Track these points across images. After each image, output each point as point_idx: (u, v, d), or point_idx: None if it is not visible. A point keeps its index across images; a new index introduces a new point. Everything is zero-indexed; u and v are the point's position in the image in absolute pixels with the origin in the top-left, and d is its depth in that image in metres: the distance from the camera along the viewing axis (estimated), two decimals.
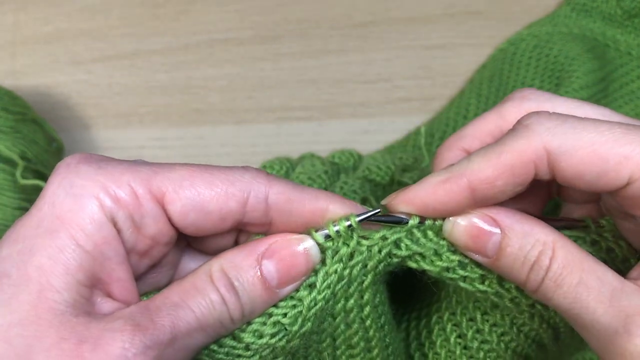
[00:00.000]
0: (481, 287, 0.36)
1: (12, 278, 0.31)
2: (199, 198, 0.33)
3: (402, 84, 0.68)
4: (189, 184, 0.33)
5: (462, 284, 0.36)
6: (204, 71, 0.69)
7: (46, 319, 0.30)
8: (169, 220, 0.34)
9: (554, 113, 0.33)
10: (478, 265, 0.35)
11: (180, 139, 0.67)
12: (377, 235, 0.35)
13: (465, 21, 0.71)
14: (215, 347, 0.34)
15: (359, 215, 0.35)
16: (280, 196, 0.34)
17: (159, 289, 0.36)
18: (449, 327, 0.41)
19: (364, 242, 0.35)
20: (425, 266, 0.35)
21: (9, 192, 0.54)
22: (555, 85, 0.66)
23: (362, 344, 0.38)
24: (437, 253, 0.35)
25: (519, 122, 0.33)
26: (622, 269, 0.36)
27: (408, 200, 0.34)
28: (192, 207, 0.33)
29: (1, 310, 0.30)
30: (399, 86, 0.68)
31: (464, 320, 0.40)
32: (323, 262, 0.35)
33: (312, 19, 0.71)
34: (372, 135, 0.66)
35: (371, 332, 0.38)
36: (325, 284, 0.35)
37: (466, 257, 0.35)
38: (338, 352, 0.38)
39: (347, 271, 0.35)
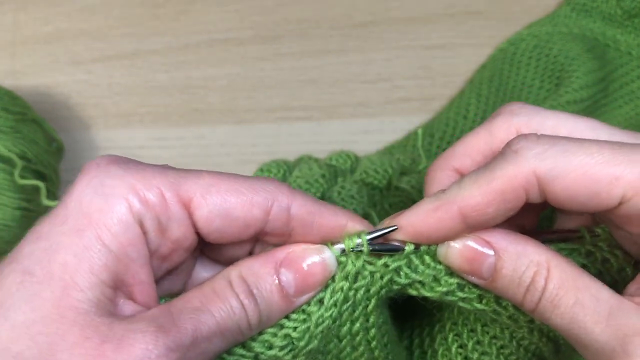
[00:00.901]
0: (479, 306, 0.36)
1: (36, 275, 0.31)
2: (226, 205, 0.34)
3: (402, 84, 0.68)
4: (215, 190, 0.34)
5: (461, 304, 0.36)
6: (204, 71, 0.69)
7: (69, 318, 0.30)
8: (194, 226, 0.34)
9: (542, 136, 0.33)
10: (475, 285, 0.36)
11: (180, 139, 0.67)
12: (380, 263, 0.35)
13: (465, 21, 0.71)
14: (224, 355, 0.34)
15: (372, 232, 0.36)
16: (302, 208, 0.35)
17: (172, 295, 0.37)
18: (450, 337, 0.41)
19: (368, 267, 0.36)
20: (426, 293, 0.36)
21: (9, 192, 0.54)
22: (555, 85, 0.66)
23: None
24: (435, 279, 0.35)
25: (507, 146, 0.33)
26: (618, 279, 0.36)
27: (401, 228, 0.35)
28: (219, 213, 0.34)
29: (24, 308, 0.30)
30: (399, 86, 0.68)
31: (465, 331, 0.40)
32: (332, 278, 0.36)
33: (312, 19, 0.71)
34: (372, 135, 0.66)
35: (376, 353, 0.38)
36: (332, 300, 0.35)
37: (463, 278, 0.35)
38: None
39: (352, 293, 0.35)
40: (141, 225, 0.32)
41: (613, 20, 0.69)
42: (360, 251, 0.35)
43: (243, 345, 0.35)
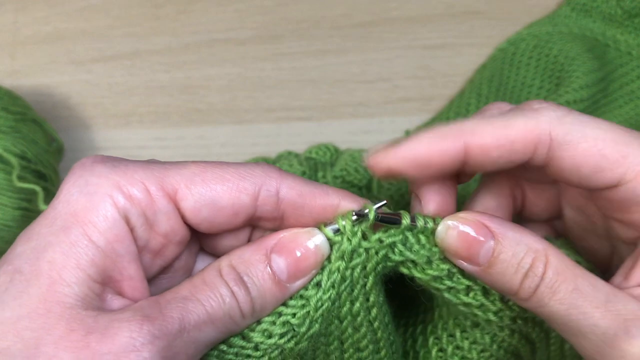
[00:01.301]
0: (465, 299, 0.36)
1: (24, 273, 0.31)
2: (211, 193, 0.34)
3: (402, 84, 0.68)
4: (200, 180, 0.34)
5: (447, 295, 0.36)
6: (204, 71, 0.69)
7: (55, 312, 0.30)
8: (183, 217, 0.34)
9: (560, 105, 0.34)
10: (464, 276, 0.36)
11: (180, 139, 0.67)
12: (374, 238, 0.35)
13: (465, 21, 0.71)
14: (224, 347, 0.34)
15: (366, 209, 0.35)
16: (291, 190, 0.35)
17: None
18: (431, 340, 0.41)
19: (363, 243, 0.35)
20: (416, 273, 0.36)
21: (9, 192, 0.54)
22: (555, 85, 0.66)
23: (370, 346, 0.38)
24: (429, 260, 0.35)
25: (527, 104, 0.33)
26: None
27: (401, 154, 0.34)
28: (205, 202, 0.34)
29: (11, 304, 0.30)
30: (399, 86, 0.68)
31: (445, 335, 0.41)
32: (328, 259, 0.35)
33: (312, 19, 0.71)
34: (372, 135, 0.66)
35: (379, 334, 0.38)
36: (329, 282, 0.35)
37: (454, 267, 0.35)
38: (346, 356, 0.38)
39: (348, 272, 0.35)
40: (127, 221, 0.33)
41: (613, 20, 0.69)
42: (361, 221, 0.35)
43: (242, 336, 0.34)
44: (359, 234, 0.35)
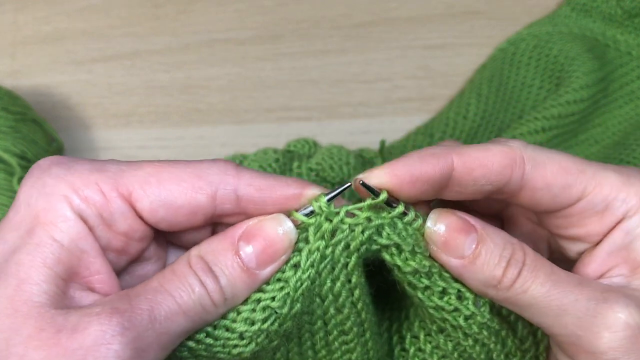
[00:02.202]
0: (439, 302, 0.37)
1: None
2: (166, 194, 0.34)
3: (402, 84, 0.68)
4: (155, 181, 0.34)
5: (420, 296, 0.37)
6: (204, 71, 0.69)
7: (23, 311, 0.30)
8: (140, 217, 0.35)
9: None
10: (442, 277, 0.37)
11: (180, 139, 0.66)
12: (363, 215, 0.35)
13: (465, 21, 0.71)
14: (211, 341, 0.35)
15: (331, 192, 0.36)
16: (249, 187, 0.35)
17: None
18: (395, 338, 0.42)
19: (347, 219, 0.35)
20: (399, 262, 0.36)
21: (9, 192, 0.54)
22: (555, 85, 0.66)
23: (355, 329, 0.38)
24: (413, 250, 0.36)
25: (498, 140, 0.37)
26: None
27: (394, 171, 0.35)
28: (161, 203, 0.34)
29: None
30: (399, 86, 0.68)
31: (409, 335, 0.41)
32: (307, 240, 0.35)
33: (312, 19, 0.71)
34: (372, 135, 0.66)
35: (363, 315, 0.38)
36: (308, 262, 0.35)
37: (434, 266, 0.36)
38: (330, 338, 0.38)
39: (329, 250, 0.35)
40: (85, 220, 0.33)
41: (613, 20, 0.69)
42: (330, 202, 0.35)
43: (226, 328, 0.35)
44: (342, 213, 0.35)
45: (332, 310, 0.37)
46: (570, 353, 0.35)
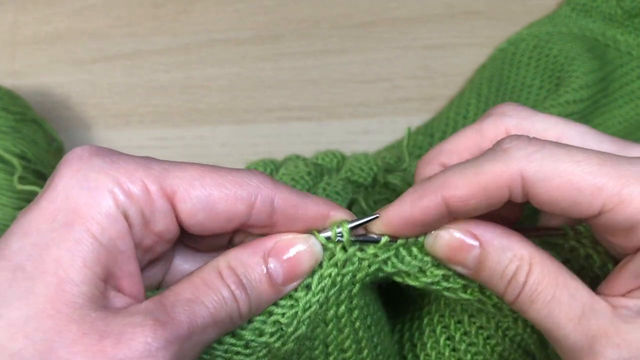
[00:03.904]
0: (464, 295, 0.37)
1: (27, 271, 0.30)
2: (209, 199, 0.34)
3: (402, 84, 0.68)
4: (199, 184, 0.34)
5: (446, 294, 0.37)
6: (204, 71, 0.69)
7: (65, 313, 0.29)
8: (178, 218, 0.34)
9: (533, 138, 0.34)
10: (460, 276, 0.36)
11: (180, 139, 0.67)
12: (370, 252, 0.36)
13: (465, 21, 0.71)
14: (214, 345, 0.35)
15: (355, 221, 0.36)
16: (285, 202, 0.35)
17: (153, 285, 0.37)
18: (438, 329, 0.42)
19: (358, 254, 0.36)
20: (410, 282, 0.37)
21: (9, 192, 0.54)
22: (555, 85, 0.66)
23: (353, 346, 0.38)
24: (421, 270, 0.36)
25: (498, 144, 0.34)
26: (600, 275, 0.37)
27: (389, 221, 0.36)
28: (202, 206, 0.34)
29: (17, 304, 0.29)
30: (399, 86, 0.68)
31: (452, 322, 0.41)
32: (320, 264, 0.36)
33: (312, 19, 0.71)
34: (372, 135, 0.66)
35: (360, 333, 0.38)
36: (319, 286, 0.36)
37: (449, 269, 0.36)
38: (330, 358, 0.39)
39: (339, 278, 0.36)
40: (126, 217, 0.32)
41: (613, 20, 0.69)
42: (341, 241, 0.36)
43: (233, 334, 0.35)
44: (356, 246, 0.36)
45: (334, 332, 0.38)
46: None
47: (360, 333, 0.38)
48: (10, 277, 0.30)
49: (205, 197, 0.34)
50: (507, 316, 0.38)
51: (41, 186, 0.56)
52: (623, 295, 0.34)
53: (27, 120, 0.58)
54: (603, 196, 0.32)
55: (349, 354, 0.39)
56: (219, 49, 0.70)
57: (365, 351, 0.39)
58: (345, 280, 0.36)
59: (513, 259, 0.34)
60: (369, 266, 0.36)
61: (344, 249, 0.36)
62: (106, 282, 0.32)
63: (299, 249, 0.35)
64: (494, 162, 0.33)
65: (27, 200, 0.54)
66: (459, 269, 0.36)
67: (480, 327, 0.40)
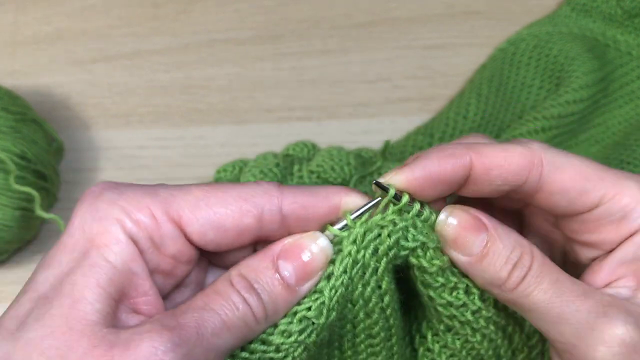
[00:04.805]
0: (448, 297, 0.37)
1: (48, 297, 0.32)
2: (215, 217, 0.35)
3: (402, 84, 0.68)
4: (204, 204, 0.35)
5: (432, 294, 0.37)
6: (204, 71, 0.69)
7: (78, 330, 0.31)
8: (189, 240, 0.36)
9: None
10: (453, 273, 0.37)
11: (180, 139, 0.67)
12: (388, 218, 0.36)
13: (465, 21, 0.71)
14: (246, 355, 0.36)
15: (365, 206, 0.37)
16: (294, 205, 0.36)
17: None
18: (417, 338, 0.43)
19: (375, 219, 0.36)
20: (425, 263, 0.37)
21: (9, 192, 0.54)
22: (555, 85, 0.66)
23: (382, 333, 0.39)
24: (437, 247, 0.36)
25: (519, 140, 0.37)
26: None
27: (412, 173, 0.36)
28: (210, 226, 0.35)
29: (35, 326, 0.31)
30: (399, 86, 0.68)
31: (418, 336, 0.42)
32: (339, 250, 0.36)
33: (312, 19, 0.71)
34: (372, 135, 0.66)
35: (391, 321, 0.39)
36: (341, 268, 0.36)
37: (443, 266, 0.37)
38: (357, 340, 0.39)
39: (360, 254, 0.36)
40: (136, 243, 0.34)
41: (613, 20, 0.69)
42: (363, 214, 0.36)
43: (262, 341, 0.35)
44: (373, 219, 0.36)
45: (361, 315, 0.38)
46: (566, 359, 0.36)
47: (392, 320, 0.38)
48: (33, 305, 0.32)
49: (212, 216, 0.35)
50: (476, 332, 0.38)
51: (41, 186, 0.56)
52: (602, 288, 0.37)
53: (27, 120, 0.58)
54: (605, 186, 0.36)
55: (377, 340, 0.39)
56: (219, 49, 0.70)
57: (394, 338, 0.39)
58: (367, 255, 0.36)
59: (516, 246, 0.36)
60: (389, 236, 0.36)
61: (362, 224, 0.36)
62: (120, 302, 0.34)
63: (307, 247, 0.36)
64: (520, 146, 0.36)
65: (27, 200, 0.54)
66: (460, 257, 0.36)
67: (444, 347, 0.40)
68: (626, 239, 0.37)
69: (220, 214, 0.35)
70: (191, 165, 0.65)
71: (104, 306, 0.32)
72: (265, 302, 0.35)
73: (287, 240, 0.36)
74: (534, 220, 0.43)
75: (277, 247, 0.36)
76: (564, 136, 0.63)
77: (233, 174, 0.58)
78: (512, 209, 0.43)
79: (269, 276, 0.35)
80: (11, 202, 0.54)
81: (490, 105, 0.65)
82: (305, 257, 0.36)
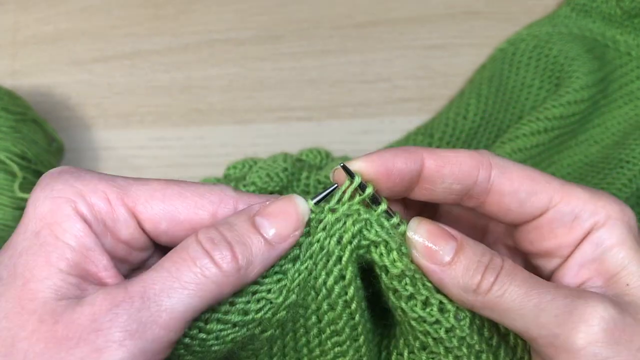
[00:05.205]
0: (421, 312, 0.37)
1: (3, 279, 0.33)
2: (169, 208, 0.36)
3: (402, 84, 0.68)
4: (160, 195, 0.36)
5: (404, 306, 0.37)
6: (204, 71, 0.69)
7: (29, 308, 0.32)
8: (142, 228, 0.36)
9: None
10: (424, 287, 0.37)
11: (180, 139, 0.67)
12: (354, 208, 0.37)
13: (465, 21, 0.71)
14: (204, 336, 0.36)
15: (318, 195, 0.37)
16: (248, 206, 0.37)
17: None
18: (394, 355, 0.42)
19: (343, 209, 0.37)
20: (387, 262, 0.37)
21: (9, 192, 0.54)
22: (555, 85, 0.66)
23: (347, 330, 0.38)
24: (400, 250, 0.37)
25: (464, 150, 0.39)
26: None
27: (370, 158, 0.37)
28: (164, 216, 0.36)
29: None
30: (399, 86, 0.68)
31: (395, 353, 0.41)
32: (307, 234, 0.37)
33: (312, 19, 0.71)
34: (372, 135, 0.66)
35: (357, 318, 0.38)
36: (308, 253, 0.36)
37: (418, 273, 0.37)
38: (324, 336, 0.39)
39: (327, 241, 0.36)
40: (89, 224, 0.35)
41: (613, 20, 0.69)
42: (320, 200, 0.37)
43: (218, 320, 0.35)
44: (344, 206, 0.37)
45: (325, 306, 0.37)
46: (550, 356, 0.35)
47: (357, 317, 0.38)
48: None
49: (166, 207, 0.36)
50: (449, 353, 0.38)
51: None
52: None
53: (27, 120, 0.58)
54: (552, 188, 0.37)
55: (342, 337, 0.38)
56: (219, 49, 0.70)
57: (362, 338, 0.39)
58: (332, 243, 0.36)
59: (485, 252, 0.37)
60: (353, 224, 0.36)
61: (332, 210, 0.37)
62: (80, 277, 0.34)
63: (284, 204, 0.36)
64: (468, 150, 0.38)
65: (27, 200, 0.54)
66: (430, 265, 0.36)
67: None
68: (581, 240, 0.37)
69: (174, 205, 0.36)
70: (191, 165, 0.65)
71: (55, 281, 0.32)
72: (239, 252, 0.34)
73: (266, 202, 0.36)
74: (495, 245, 0.44)
75: (255, 207, 0.36)
76: (565, 137, 0.63)
77: (242, 172, 0.58)
78: (474, 228, 0.44)
79: (245, 228, 0.35)
80: (11, 202, 0.54)
81: (490, 105, 0.65)
82: (283, 212, 0.36)
